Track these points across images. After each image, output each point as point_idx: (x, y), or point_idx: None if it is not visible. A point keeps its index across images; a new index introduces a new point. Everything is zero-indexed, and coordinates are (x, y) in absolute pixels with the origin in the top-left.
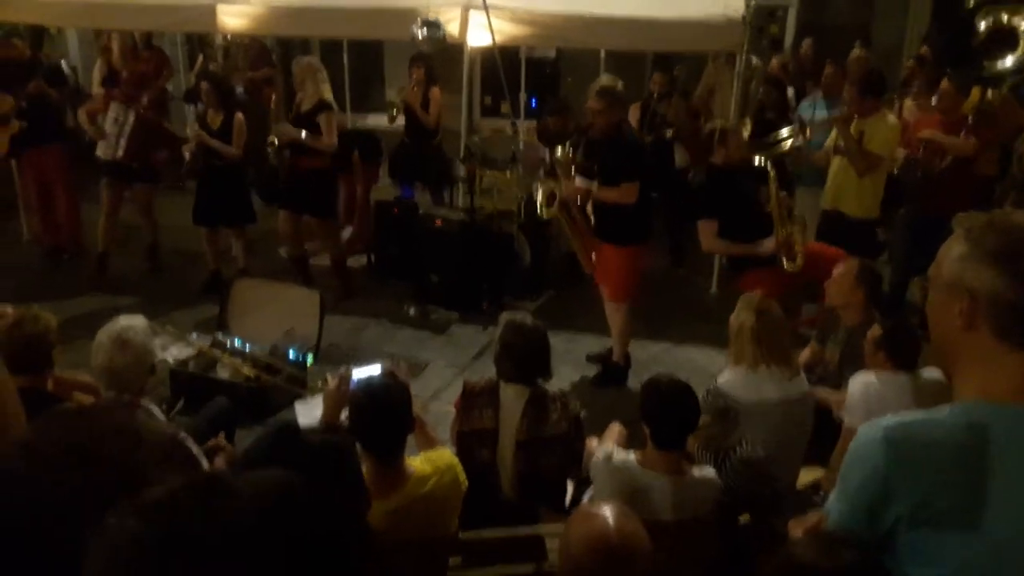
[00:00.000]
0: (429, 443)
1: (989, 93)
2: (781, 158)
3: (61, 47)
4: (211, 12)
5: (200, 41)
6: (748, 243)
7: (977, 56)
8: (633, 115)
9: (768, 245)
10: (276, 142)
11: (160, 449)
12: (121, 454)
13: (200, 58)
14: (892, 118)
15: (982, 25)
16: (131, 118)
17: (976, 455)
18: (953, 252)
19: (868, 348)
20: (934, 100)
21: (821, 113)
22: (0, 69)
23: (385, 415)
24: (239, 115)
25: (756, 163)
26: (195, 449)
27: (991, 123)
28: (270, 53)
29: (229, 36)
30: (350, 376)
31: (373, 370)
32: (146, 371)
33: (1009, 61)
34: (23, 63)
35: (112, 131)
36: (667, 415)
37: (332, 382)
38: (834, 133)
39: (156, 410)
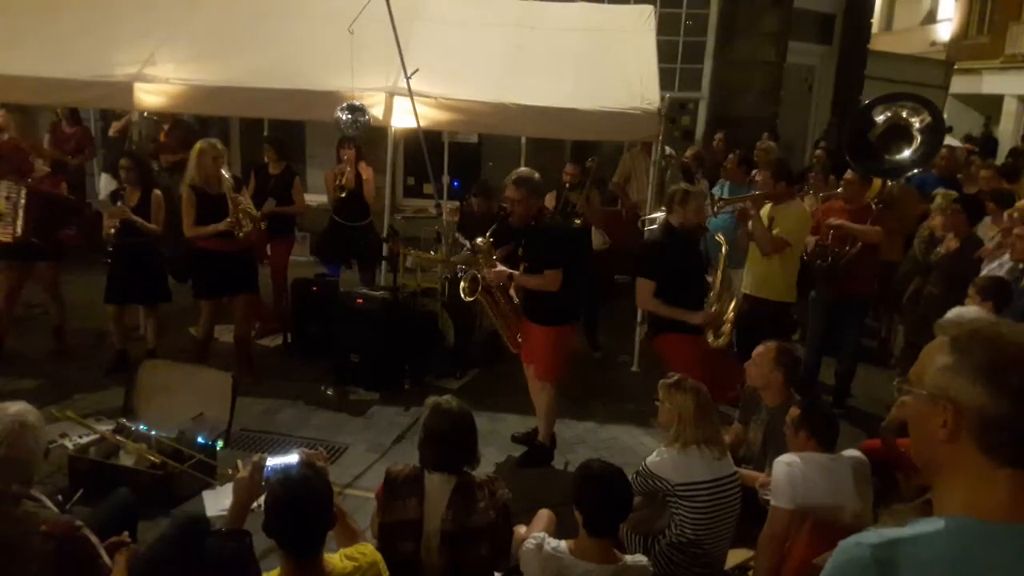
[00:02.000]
0: (350, 536)
1: (889, 183)
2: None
3: None
4: (128, 89)
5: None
6: (681, 308)
7: (877, 149)
8: (549, 202)
9: (699, 316)
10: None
11: (55, 542)
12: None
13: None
14: (803, 206)
15: (880, 119)
16: (23, 193)
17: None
18: (937, 361)
19: (788, 429)
20: (839, 188)
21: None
22: None
23: (304, 511)
24: (157, 192)
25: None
26: (95, 541)
27: (893, 211)
28: (193, 131)
29: (146, 113)
30: (263, 464)
31: (289, 458)
32: (38, 460)
33: (907, 154)
34: None
35: (6, 210)
36: (601, 503)
37: (244, 471)
38: (750, 221)
39: (47, 500)
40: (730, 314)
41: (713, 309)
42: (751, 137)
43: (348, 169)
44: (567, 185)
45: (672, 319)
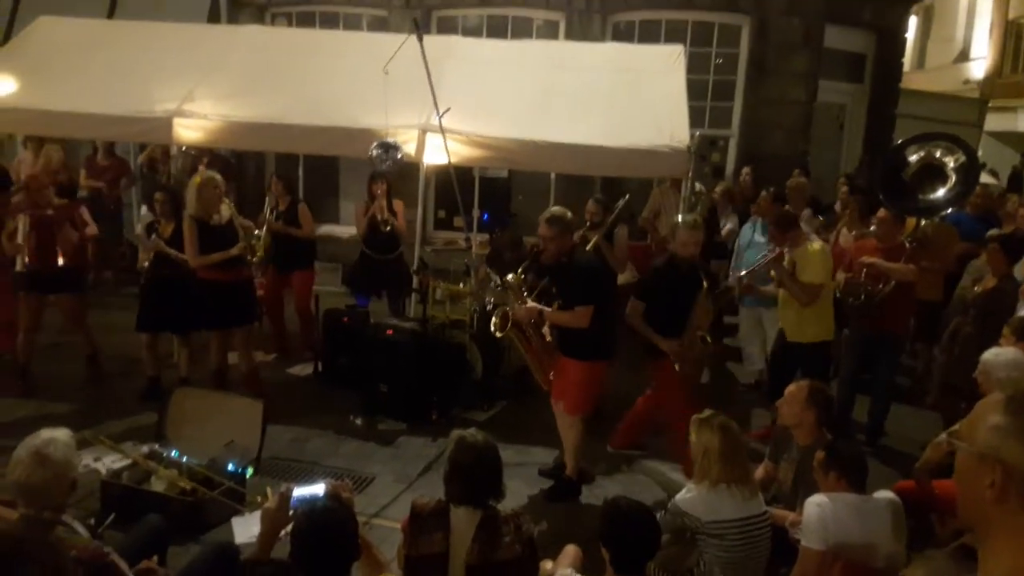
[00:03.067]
0: (376, 568)
1: (923, 222)
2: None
3: (10, 153)
4: (168, 125)
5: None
6: (656, 333)
7: (910, 188)
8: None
9: (667, 344)
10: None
11: (84, 568)
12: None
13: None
14: (816, 244)
15: (913, 159)
16: (27, 221)
17: None
18: (990, 420)
19: (818, 471)
20: (872, 227)
21: (760, 238)
22: None
23: (329, 544)
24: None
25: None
26: (124, 567)
27: (928, 250)
28: (231, 165)
29: (184, 147)
30: (290, 495)
31: (316, 489)
32: (64, 488)
33: (941, 193)
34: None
35: (22, 242)
36: (628, 540)
37: (272, 501)
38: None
39: (79, 526)
40: (696, 350)
41: (684, 341)
42: (781, 175)
43: (382, 203)
44: (588, 223)
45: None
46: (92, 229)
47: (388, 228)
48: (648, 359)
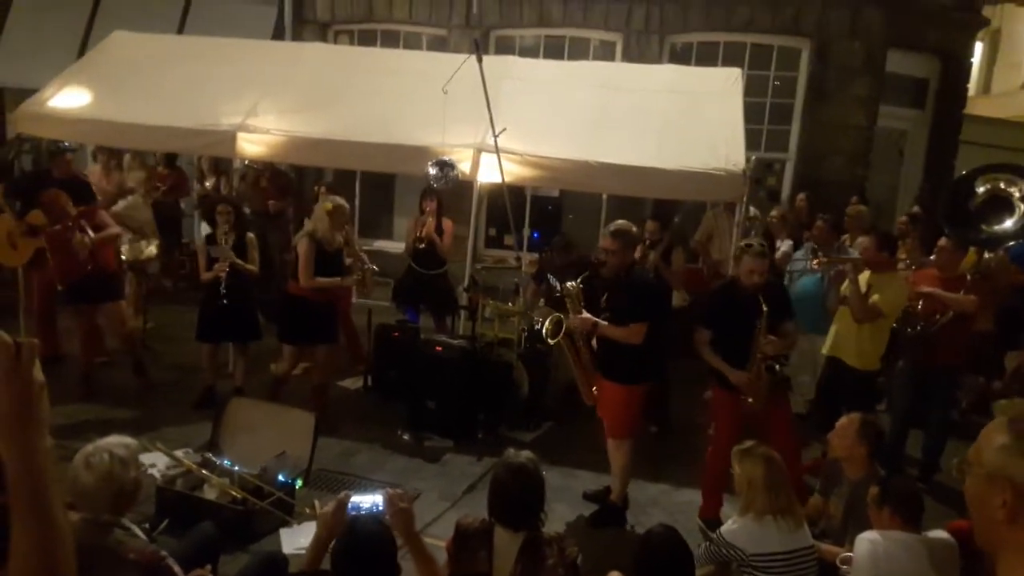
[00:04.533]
0: (427, 564)
1: (987, 255)
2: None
3: (79, 162)
4: (232, 138)
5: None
6: (726, 362)
7: (975, 218)
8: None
9: (736, 375)
10: None
11: (140, 570)
12: None
13: (212, 180)
14: (903, 279)
15: (981, 189)
16: (44, 239)
17: None
18: (995, 441)
19: (872, 507)
20: (933, 256)
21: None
22: (62, 186)
23: (367, 567)
24: (251, 235)
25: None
26: (178, 571)
27: (989, 282)
28: (291, 181)
29: (247, 161)
30: (347, 501)
31: (374, 497)
32: (109, 495)
33: (1008, 224)
34: (81, 181)
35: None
36: (662, 573)
37: (329, 506)
38: (846, 282)
39: (136, 529)
40: (764, 380)
41: (752, 371)
42: (838, 200)
43: (430, 220)
44: (647, 242)
45: (720, 376)
46: (113, 231)
47: (422, 246)
48: (712, 387)
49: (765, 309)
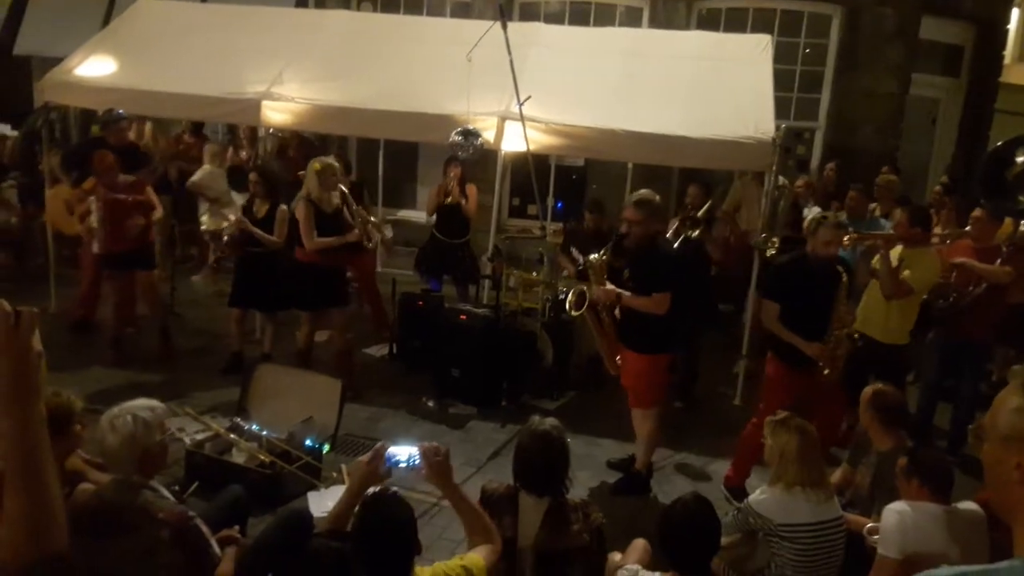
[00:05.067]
0: (471, 511)
1: (1022, 225)
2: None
3: None
4: (256, 107)
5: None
6: (798, 335)
7: (1012, 188)
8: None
9: (814, 348)
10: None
11: (170, 530)
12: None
13: (231, 150)
14: (935, 254)
15: (1021, 159)
16: (99, 204)
17: None
18: (1009, 404)
19: (900, 478)
20: (968, 226)
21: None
22: (118, 155)
23: (387, 543)
24: (283, 206)
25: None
26: (206, 531)
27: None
28: (316, 149)
29: (272, 130)
30: (384, 451)
31: (410, 450)
32: (136, 455)
33: None
34: (137, 149)
35: (96, 225)
36: (687, 542)
37: (366, 456)
38: (877, 256)
39: (165, 491)
40: (843, 350)
41: (829, 342)
42: (868, 170)
43: (454, 184)
44: (688, 207)
45: (786, 346)
46: (158, 213)
47: (449, 200)
48: (766, 353)
49: (845, 279)
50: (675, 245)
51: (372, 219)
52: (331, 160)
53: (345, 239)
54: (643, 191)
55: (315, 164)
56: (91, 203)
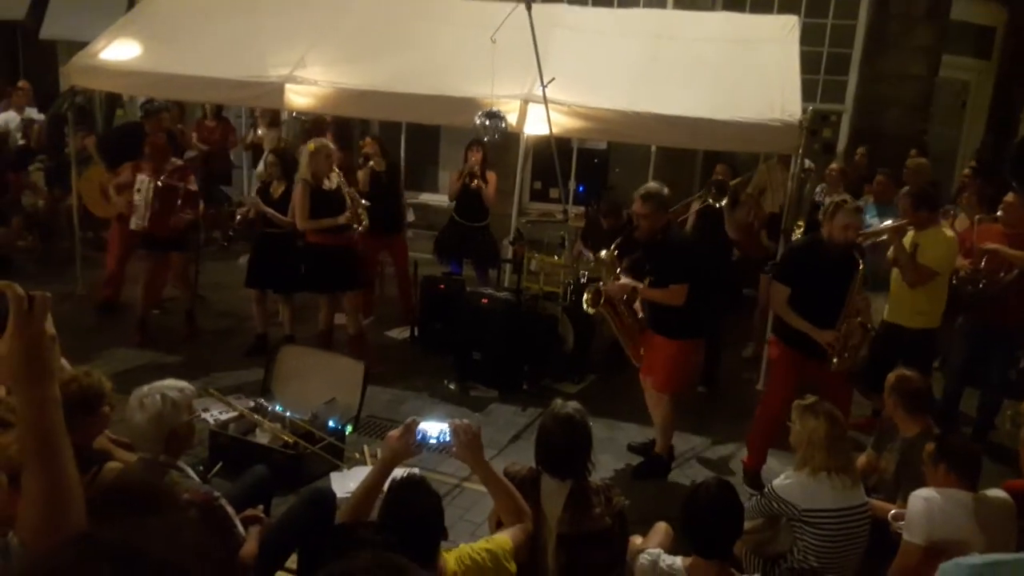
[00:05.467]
0: (501, 487)
1: None
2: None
3: (132, 114)
4: (279, 90)
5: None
6: (809, 322)
7: None
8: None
9: (826, 335)
10: None
11: (195, 510)
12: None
13: (251, 131)
14: (949, 232)
15: None
16: (151, 188)
17: None
18: None
19: (928, 464)
20: (999, 212)
21: (872, 219)
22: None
23: (413, 528)
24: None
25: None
26: (231, 512)
27: None
28: (351, 130)
29: (295, 113)
30: (416, 427)
31: (441, 426)
32: (162, 436)
33: None
34: (173, 136)
35: (139, 202)
36: (710, 526)
37: (397, 430)
38: (891, 248)
39: (190, 471)
40: (856, 339)
41: (842, 330)
42: (896, 153)
43: (476, 169)
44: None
45: (795, 331)
46: (200, 209)
47: (473, 183)
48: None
49: (862, 266)
50: (695, 219)
51: (365, 202)
52: (325, 142)
53: (336, 221)
54: (651, 184)
55: (309, 145)
56: (139, 180)
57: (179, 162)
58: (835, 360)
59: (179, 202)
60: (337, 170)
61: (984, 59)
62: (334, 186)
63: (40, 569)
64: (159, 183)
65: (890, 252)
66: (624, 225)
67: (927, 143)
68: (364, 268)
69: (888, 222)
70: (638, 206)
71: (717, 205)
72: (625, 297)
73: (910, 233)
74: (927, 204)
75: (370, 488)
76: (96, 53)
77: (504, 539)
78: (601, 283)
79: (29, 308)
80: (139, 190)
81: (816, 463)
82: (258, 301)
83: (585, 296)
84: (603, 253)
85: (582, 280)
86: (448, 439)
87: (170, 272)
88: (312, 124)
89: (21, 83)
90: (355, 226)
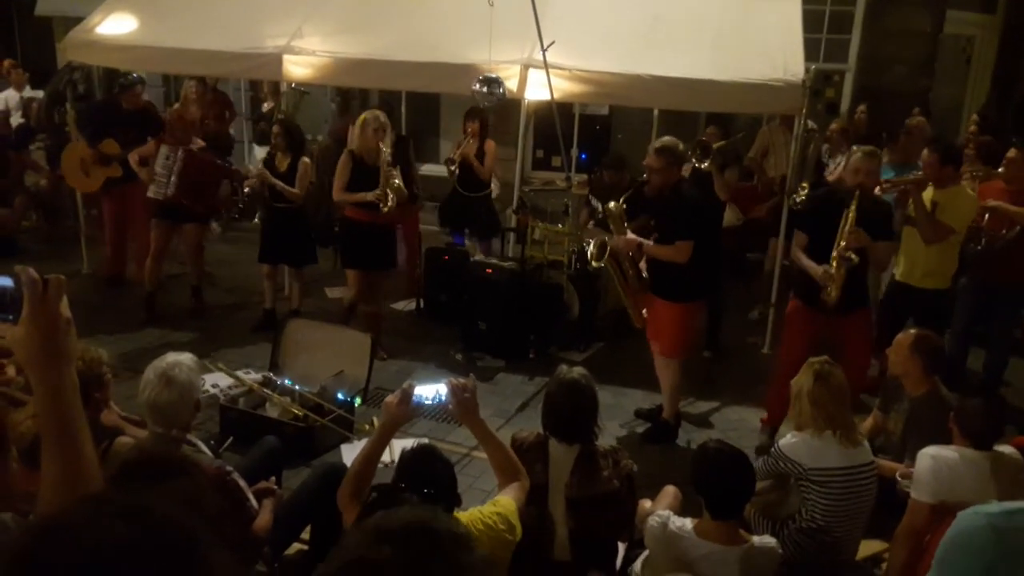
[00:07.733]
0: (495, 444)
1: None
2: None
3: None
4: (278, 61)
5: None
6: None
7: None
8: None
9: (819, 269)
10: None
11: (211, 480)
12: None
13: (265, 105)
14: (971, 191)
15: None
16: (180, 156)
17: None
18: None
19: (953, 424)
20: (1001, 168)
21: (887, 174)
22: (131, 117)
23: (430, 490)
24: (305, 159)
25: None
26: (243, 485)
27: None
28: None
29: (293, 84)
30: (412, 391)
31: (437, 387)
32: (189, 408)
33: None
34: (150, 111)
35: (162, 171)
36: (721, 486)
37: (394, 395)
38: (910, 202)
39: (203, 446)
40: (837, 271)
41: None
42: (900, 112)
43: (470, 141)
44: (704, 139)
45: (802, 283)
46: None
47: (454, 168)
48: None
49: (855, 202)
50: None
51: (396, 181)
52: (378, 113)
53: (364, 197)
54: (666, 138)
55: (362, 116)
56: (163, 149)
57: (201, 143)
58: (831, 292)
59: (212, 172)
60: (384, 146)
61: (989, 13)
62: (379, 162)
63: (53, 527)
64: (190, 149)
65: (908, 208)
66: (627, 184)
67: (931, 101)
68: (396, 250)
69: (910, 175)
70: (651, 159)
71: (700, 167)
72: (631, 254)
73: (930, 190)
74: (953, 161)
75: (371, 454)
76: (92, 28)
77: (507, 500)
78: (607, 237)
79: (44, 291)
80: (166, 159)
81: (820, 422)
82: (268, 275)
83: (590, 249)
84: (611, 204)
85: (585, 246)
86: (444, 399)
87: (180, 244)
88: (298, 96)
89: (11, 65)
90: (382, 206)
